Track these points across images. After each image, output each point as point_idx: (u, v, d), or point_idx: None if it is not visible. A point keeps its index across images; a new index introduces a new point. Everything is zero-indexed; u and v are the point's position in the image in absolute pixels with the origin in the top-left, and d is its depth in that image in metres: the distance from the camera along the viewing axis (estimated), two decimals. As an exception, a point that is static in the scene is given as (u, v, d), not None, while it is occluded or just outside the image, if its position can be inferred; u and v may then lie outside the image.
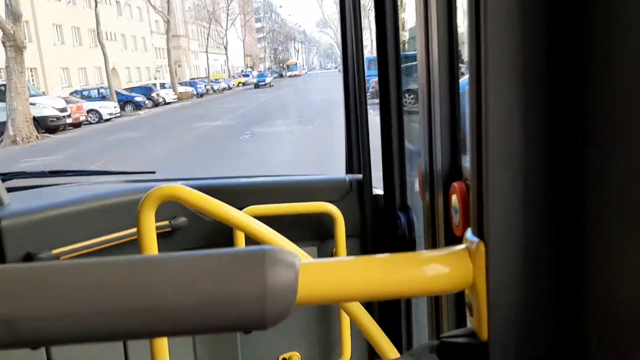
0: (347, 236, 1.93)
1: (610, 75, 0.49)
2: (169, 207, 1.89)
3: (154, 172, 2.39)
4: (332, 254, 2.04)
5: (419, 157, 1.31)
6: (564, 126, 0.54)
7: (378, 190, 1.99)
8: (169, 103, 33.19)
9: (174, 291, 0.48)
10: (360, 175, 2.03)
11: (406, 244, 1.63)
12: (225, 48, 67.47)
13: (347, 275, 0.56)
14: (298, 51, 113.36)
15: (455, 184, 1.14)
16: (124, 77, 42.68)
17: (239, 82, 56.59)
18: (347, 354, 2.00)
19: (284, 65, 76.78)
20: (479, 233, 0.57)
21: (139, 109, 29.41)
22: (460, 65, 1.15)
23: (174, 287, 0.49)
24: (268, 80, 49.13)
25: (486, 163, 0.54)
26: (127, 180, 2.19)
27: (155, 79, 46.24)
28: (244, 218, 1.39)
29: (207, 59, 55.27)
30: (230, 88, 49.20)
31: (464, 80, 1.13)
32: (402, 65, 1.65)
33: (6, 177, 2.05)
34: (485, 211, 0.56)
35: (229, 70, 69.09)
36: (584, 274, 0.55)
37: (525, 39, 0.53)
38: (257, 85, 47.41)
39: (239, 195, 2.00)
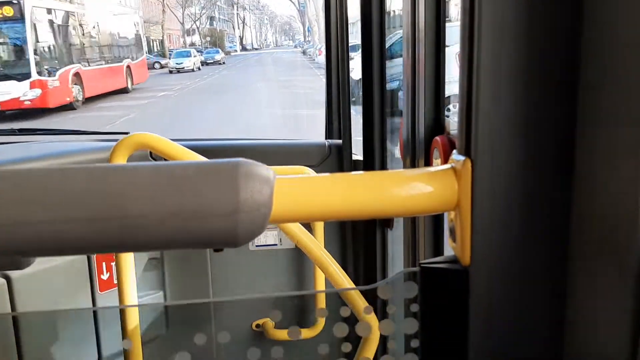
0: None
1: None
2: (141, 160, 1.88)
3: (127, 133, 2.34)
4: None
5: (401, 117, 1.35)
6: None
7: (358, 156, 2.01)
8: None
9: (140, 200, 0.45)
10: (340, 141, 2.04)
11: None
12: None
13: (325, 192, 0.53)
14: (244, 22, 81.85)
15: (437, 137, 1.20)
16: None
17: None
18: (322, 321, 2.00)
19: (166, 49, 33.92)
20: (466, 151, 0.54)
21: None
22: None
23: (140, 196, 0.45)
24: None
25: (477, 86, 0.53)
26: (98, 139, 2.16)
27: None
28: None
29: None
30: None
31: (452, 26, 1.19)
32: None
33: None
34: (474, 127, 0.53)
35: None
36: (572, 199, 0.54)
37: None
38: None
39: (216, 156, 1.98)
